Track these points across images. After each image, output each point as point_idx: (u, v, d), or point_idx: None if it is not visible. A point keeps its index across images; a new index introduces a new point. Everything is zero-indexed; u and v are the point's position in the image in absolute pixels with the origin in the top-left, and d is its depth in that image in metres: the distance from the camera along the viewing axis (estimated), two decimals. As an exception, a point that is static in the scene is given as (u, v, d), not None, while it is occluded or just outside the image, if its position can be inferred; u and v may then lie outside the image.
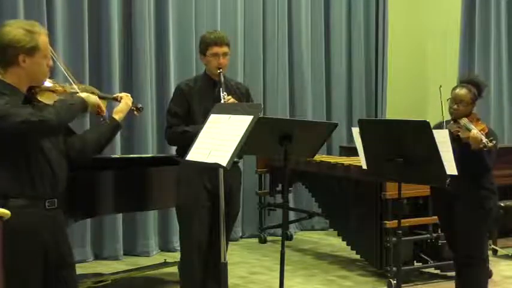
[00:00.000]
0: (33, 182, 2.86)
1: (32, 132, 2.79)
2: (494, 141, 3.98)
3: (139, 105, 3.40)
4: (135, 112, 3.38)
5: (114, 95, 3.32)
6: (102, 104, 3.11)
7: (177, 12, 6.82)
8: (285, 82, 7.62)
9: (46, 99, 2.93)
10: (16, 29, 2.84)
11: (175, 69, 6.78)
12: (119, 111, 3.21)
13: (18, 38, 2.81)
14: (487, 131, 4.12)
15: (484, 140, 3.95)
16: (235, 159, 3.77)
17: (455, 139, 4.09)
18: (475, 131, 4.01)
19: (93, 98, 3.06)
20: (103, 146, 3.18)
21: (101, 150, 3.20)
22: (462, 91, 4.25)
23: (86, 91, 3.13)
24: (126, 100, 3.23)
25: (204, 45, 4.31)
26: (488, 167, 4.17)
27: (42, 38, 2.89)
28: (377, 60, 8.27)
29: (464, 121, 4.15)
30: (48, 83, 2.98)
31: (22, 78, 2.87)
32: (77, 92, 3.06)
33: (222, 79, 4.22)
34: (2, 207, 2.69)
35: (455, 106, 4.24)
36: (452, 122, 4.28)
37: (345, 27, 8.11)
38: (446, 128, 4.18)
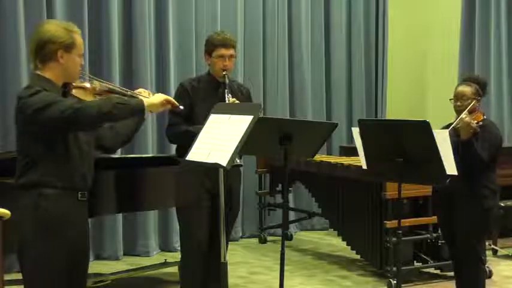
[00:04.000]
0: (71, 174, 3.00)
1: (69, 124, 2.90)
2: (479, 123, 4.10)
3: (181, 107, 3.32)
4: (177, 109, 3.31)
5: (136, 91, 3.31)
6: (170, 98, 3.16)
7: (177, 12, 6.83)
8: (285, 82, 7.62)
9: (81, 95, 3.07)
10: (56, 26, 3.02)
11: (175, 69, 6.79)
12: (152, 105, 3.12)
13: (58, 34, 2.98)
14: (481, 119, 4.20)
15: (473, 124, 4.05)
16: (239, 163, 3.78)
17: (458, 136, 4.13)
18: (465, 117, 4.07)
19: (157, 100, 3.10)
20: (131, 135, 3.31)
21: (129, 140, 3.34)
22: (461, 87, 4.30)
23: (110, 88, 3.20)
24: (147, 93, 3.24)
25: (211, 46, 4.29)
26: (483, 159, 4.13)
27: (79, 38, 3.06)
28: (377, 60, 8.27)
29: (463, 114, 4.16)
30: (76, 83, 3.11)
31: (59, 74, 3.01)
32: (107, 89, 3.15)
33: (227, 81, 4.22)
34: (38, 195, 2.92)
35: (458, 103, 4.26)
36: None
37: (345, 27, 8.12)
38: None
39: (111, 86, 3.24)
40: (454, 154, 3.84)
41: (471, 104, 4.19)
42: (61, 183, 2.96)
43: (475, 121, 4.13)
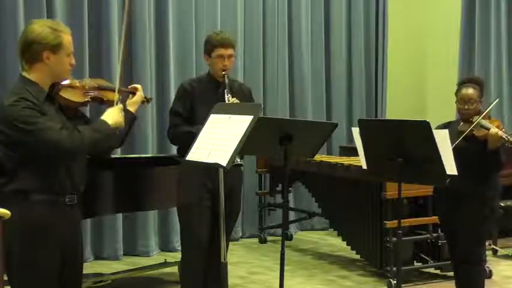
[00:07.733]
0: (56, 178, 2.94)
1: (47, 154, 2.87)
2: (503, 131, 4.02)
3: (149, 97, 3.53)
4: (146, 103, 3.50)
5: (130, 87, 3.38)
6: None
7: (177, 12, 6.82)
8: (285, 82, 7.61)
9: (68, 95, 3.05)
10: (41, 26, 2.96)
11: (175, 69, 6.78)
12: (134, 103, 3.31)
13: (43, 35, 2.93)
14: (502, 127, 4.11)
15: (504, 135, 3.97)
16: (239, 162, 3.78)
17: (468, 139, 4.09)
18: (494, 129, 4.00)
19: (115, 112, 3.10)
20: (123, 139, 3.30)
21: (121, 143, 3.33)
22: (469, 90, 4.23)
23: (100, 85, 3.22)
24: (140, 92, 3.34)
25: (210, 46, 4.29)
26: (501, 164, 4.15)
27: (66, 37, 3.00)
28: (377, 60, 8.26)
29: (477, 119, 4.11)
30: (65, 81, 3.09)
31: (45, 75, 2.98)
32: (96, 86, 3.18)
33: (227, 81, 4.22)
34: (24, 203, 2.86)
35: (466, 106, 4.21)
36: (462, 122, 4.24)
37: (345, 27, 8.11)
38: (458, 128, 4.17)
39: (100, 83, 3.24)
40: (455, 157, 3.82)
41: (486, 110, 4.16)
42: (46, 189, 2.91)
43: (499, 128, 4.05)
